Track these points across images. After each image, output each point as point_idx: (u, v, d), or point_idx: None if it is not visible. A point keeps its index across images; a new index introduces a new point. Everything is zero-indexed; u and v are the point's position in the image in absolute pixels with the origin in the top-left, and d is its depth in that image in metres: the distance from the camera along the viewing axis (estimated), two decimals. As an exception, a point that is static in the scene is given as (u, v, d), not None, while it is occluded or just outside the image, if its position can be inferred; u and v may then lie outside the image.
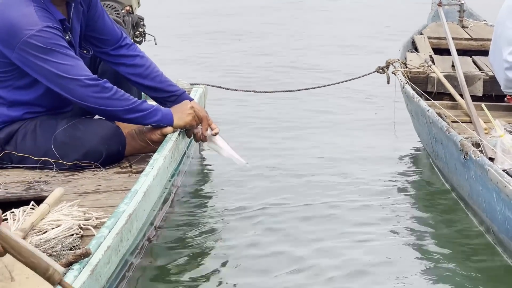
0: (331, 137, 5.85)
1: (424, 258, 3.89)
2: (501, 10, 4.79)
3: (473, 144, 3.89)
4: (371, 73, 5.59)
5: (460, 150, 3.87)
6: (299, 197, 4.65)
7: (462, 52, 6.10)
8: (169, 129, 3.84)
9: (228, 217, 4.33)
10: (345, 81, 5.79)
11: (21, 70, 3.64)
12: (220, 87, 5.51)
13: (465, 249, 3.96)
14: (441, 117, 4.33)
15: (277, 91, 5.72)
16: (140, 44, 5.61)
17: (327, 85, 5.74)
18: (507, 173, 3.54)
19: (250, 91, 5.32)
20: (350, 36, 10.45)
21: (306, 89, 5.81)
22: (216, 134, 3.99)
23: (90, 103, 3.64)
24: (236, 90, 5.44)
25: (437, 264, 3.81)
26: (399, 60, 5.50)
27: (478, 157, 3.65)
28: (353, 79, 5.68)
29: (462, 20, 6.70)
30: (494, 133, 3.94)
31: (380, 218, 4.35)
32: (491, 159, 3.71)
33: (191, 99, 4.03)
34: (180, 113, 3.85)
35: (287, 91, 5.76)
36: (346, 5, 13.66)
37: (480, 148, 3.84)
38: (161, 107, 3.84)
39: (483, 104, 4.53)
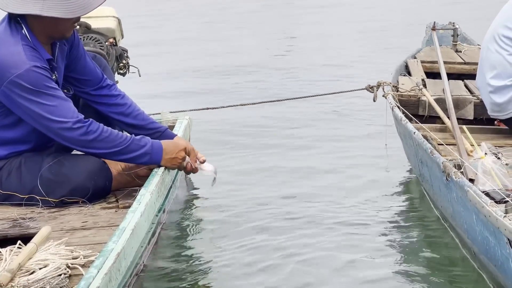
0: (323, 158, 5.89)
1: (407, 280, 3.90)
2: (486, 35, 4.84)
3: (455, 166, 3.91)
4: (360, 89, 5.63)
5: (443, 172, 3.89)
6: (289, 224, 4.67)
7: (456, 76, 6.15)
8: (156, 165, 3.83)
9: (217, 245, 4.34)
10: (334, 93, 5.83)
11: (7, 108, 3.60)
12: (207, 108, 5.52)
13: (449, 272, 3.97)
14: (427, 139, 4.35)
15: (263, 102, 5.73)
16: (124, 75, 5.60)
17: (315, 96, 5.78)
18: (487, 194, 3.56)
19: (237, 105, 5.33)
20: (346, 57, 10.52)
21: (293, 98, 5.84)
22: (204, 161, 3.99)
23: (74, 145, 3.63)
24: (224, 107, 5.48)
25: (419, 287, 3.83)
26: (390, 83, 5.53)
27: (458, 178, 3.67)
28: (341, 92, 5.72)
29: (456, 44, 6.74)
30: (476, 155, 3.96)
31: (366, 240, 4.38)
32: (472, 180, 3.72)
33: (174, 135, 4.00)
34: (170, 160, 3.79)
35: (274, 101, 5.78)
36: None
37: (461, 170, 3.85)
38: (151, 143, 3.74)
39: (464, 127, 4.55)
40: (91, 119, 3.62)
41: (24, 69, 3.48)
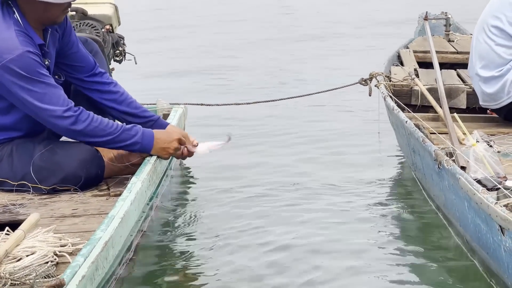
0: (315, 149, 5.88)
1: (400, 269, 3.90)
2: (476, 25, 4.84)
3: (447, 154, 3.90)
4: (354, 84, 5.60)
5: (435, 160, 3.88)
6: (282, 211, 4.66)
7: (449, 66, 6.14)
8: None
9: (211, 233, 4.32)
10: (327, 90, 5.79)
11: None
12: (202, 104, 5.51)
13: (442, 260, 3.95)
14: (419, 128, 4.35)
15: (258, 102, 5.72)
16: (120, 63, 5.59)
17: (309, 94, 5.76)
18: (479, 181, 3.56)
19: (232, 104, 5.31)
20: (340, 48, 10.51)
21: (287, 98, 5.82)
22: (197, 144, 3.98)
23: (64, 133, 3.65)
24: (218, 105, 5.45)
25: (413, 275, 3.83)
26: (382, 73, 5.52)
27: (450, 166, 3.66)
28: (335, 89, 5.70)
29: (449, 34, 6.73)
30: (467, 142, 3.95)
31: (359, 230, 4.36)
32: (464, 168, 3.71)
33: (167, 124, 4.00)
34: (161, 149, 3.80)
35: (269, 101, 5.76)
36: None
37: (453, 158, 3.84)
38: (142, 131, 3.75)
39: (456, 115, 4.53)
40: (81, 108, 3.63)
41: (17, 54, 3.49)
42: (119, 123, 3.76)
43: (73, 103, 3.61)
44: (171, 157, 3.97)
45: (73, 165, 3.66)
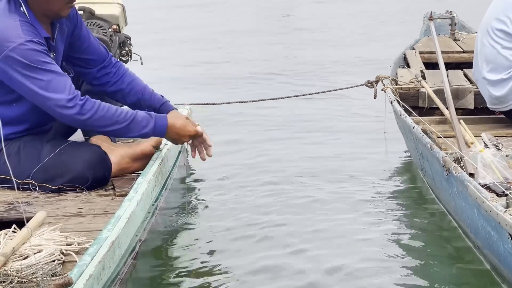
0: (322, 150, 5.88)
1: (411, 273, 3.89)
2: (479, 28, 4.82)
3: (455, 160, 3.89)
4: (359, 85, 5.60)
5: (443, 167, 3.88)
6: (288, 213, 4.67)
7: (454, 65, 6.12)
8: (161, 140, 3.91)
9: (213, 237, 4.33)
10: (333, 90, 5.79)
11: (4, 85, 3.62)
12: (207, 104, 5.52)
13: (455, 265, 3.95)
14: (426, 134, 4.34)
15: (263, 100, 5.73)
16: (126, 63, 5.59)
17: (314, 93, 5.77)
18: (488, 187, 3.55)
19: (237, 102, 5.32)
20: (345, 51, 10.51)
21: (293, 96, 5.82)
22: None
23: (70, 123, 3.67)
24: (223, 104, 5.46)
25: (424, 279, 3.82)
26: (389, 77, 5.50)
27: (458, 173, 3.65)
28: (341, 89, 5.70)
29: (454, 33, 6.71)
30: (474, 148, 3.94)
31: (369, 233, 4.36)
32: (472, 175, 3.70)
33: (171, 109, 3.97)
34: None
35: (274, 99, 5.77)
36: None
37: (461, 164, 3.83)
38: (154, 122, 3.72)
39: (462, 121, 4.51)
40: (87, 96, 3.62)
41: (18, 43, 3.52)
42: (130, 110, 3.73)
43: (79, 92, 3.61)
44: (175, 160, 3.99)
45: (80, 166, 3.67)
